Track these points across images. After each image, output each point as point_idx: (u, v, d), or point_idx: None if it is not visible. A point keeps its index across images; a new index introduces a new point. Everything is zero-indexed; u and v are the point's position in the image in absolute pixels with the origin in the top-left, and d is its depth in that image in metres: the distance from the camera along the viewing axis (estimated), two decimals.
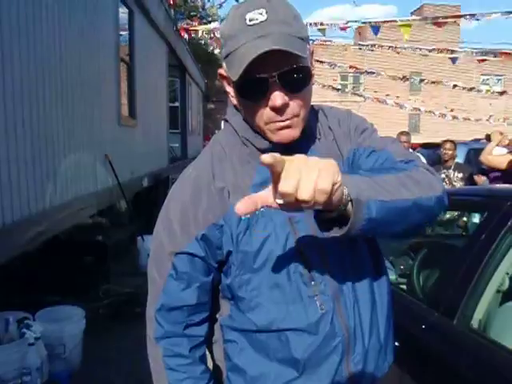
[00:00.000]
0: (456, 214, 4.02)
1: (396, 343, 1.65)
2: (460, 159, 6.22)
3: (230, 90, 1.00)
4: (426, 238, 2.77)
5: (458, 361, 1.47)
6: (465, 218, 3.66)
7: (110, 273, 4.19)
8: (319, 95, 15.74)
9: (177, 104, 11.30)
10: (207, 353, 1.14)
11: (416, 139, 9.17)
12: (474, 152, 6.40)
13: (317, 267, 1.00)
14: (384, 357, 1.13)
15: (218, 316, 1.11)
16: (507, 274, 1.60)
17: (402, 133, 5.47)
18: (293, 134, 0.96)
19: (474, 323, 1.52)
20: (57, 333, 2.84)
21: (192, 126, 12.66)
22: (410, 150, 5.26)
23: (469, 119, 15.50)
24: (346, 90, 19.42)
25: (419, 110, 16.70)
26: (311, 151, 1.04)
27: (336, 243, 1.02)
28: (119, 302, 3.59)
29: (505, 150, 5.02)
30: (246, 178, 1.00)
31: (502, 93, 15.75)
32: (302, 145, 1.00)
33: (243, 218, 0.97)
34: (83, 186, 3.88)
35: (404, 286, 2.25)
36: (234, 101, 1.00)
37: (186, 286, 1.02)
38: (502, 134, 5.18)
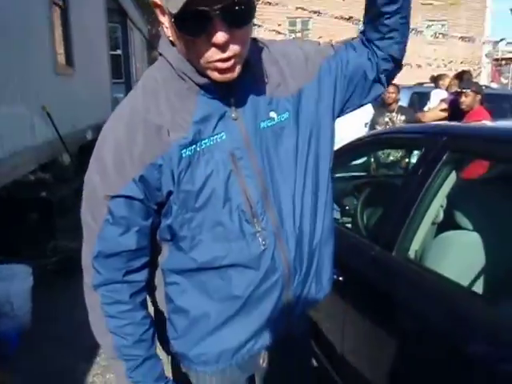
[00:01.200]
0: (399, 155, 4.18)
1: (341, 278, 1.74)
2: (404, 103, 6.38)
3: (164, 20, 0.92)
4: (370, 179, 2.87)
5: (396, 289, 1.57)
6: (407, 160, 3.80)
7: (56, 229, 4.07)
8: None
9: (119, 52, 10.73)
10: (148, 298, 1.14)
11: None
12: (418, 96, 6.56)
13: (259, 204, 1.00)
14: (320, 286, 1.18)
15: (158, 260, 1.10)
16: (441, 206, 1.69)
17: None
18: (233, 75, 0.92)
19: (411, 254, 1.62)
20: (3, 291, 2.76)
21: (137, 74, 12.11)
22: None
23: (417, 65, 15.77)
24: (293, 36, 19.11)
25: None
26: (251, 89, 1.02)
27: (278, 181, 1.03)
28: (67, 258, 3.52)
29: (445, 93, 5.19)
30: (185, 115, 0.95)
31: (444, 37, 16.04)
32: (243, 81, 0.97)
33: (184, 156, 0.95)
34: (19, 139, 3.66)
35: (349, 225, 2.34)
36: (169, 32, 0.93)
37: (124, 230, 0.98)
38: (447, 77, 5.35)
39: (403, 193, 1.71)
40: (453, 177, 1.60)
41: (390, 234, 1.65)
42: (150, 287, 1.12)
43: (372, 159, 4.72)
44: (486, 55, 26.74)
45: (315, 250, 1.13)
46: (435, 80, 6.40)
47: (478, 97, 3.96)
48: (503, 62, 28.62)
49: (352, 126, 4.06)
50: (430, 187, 1.59)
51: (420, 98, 6.46)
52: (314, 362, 2.10)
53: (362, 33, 1.14)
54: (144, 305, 1.07)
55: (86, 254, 1.02)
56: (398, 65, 1.16)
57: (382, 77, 1.15)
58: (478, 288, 1.61)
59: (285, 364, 1.32)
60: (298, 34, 20.35)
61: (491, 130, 1.65)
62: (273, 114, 1.03)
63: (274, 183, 1.02)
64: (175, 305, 1.09)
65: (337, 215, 2.45)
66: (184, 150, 0.94)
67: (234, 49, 0.87)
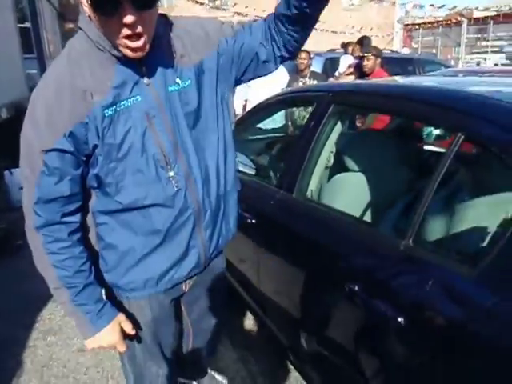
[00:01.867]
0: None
1: (254, 220, 2.02)
2: (318, 69, 6.74)
3: None
4: (281, 138, 3.16)
5: (297, 223, 1.87)
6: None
7: None
8: (187, 12, 15.13)
9: (27, 25, 10.09)
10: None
11: None
12: (330, 61, 6.97)
13: (170, 154, 1.23)
14: (228, 227, 1.45)
15: (89, 204, 1.30)
16: (331, 152, 2.00)
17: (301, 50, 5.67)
18: (143, 51, 1.11)
19: (309, 194, 1.92)
20: None
21: (50, 49, 11.48)
22: None
23: (332, 32, 16.30)
24: (211, 5, 18.89)
25: None
26: (160, 59, 1.22)
27: (185, 136, 1.26)
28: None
29: (351, 59, 5.58)
30: (106, 81, 1.14)
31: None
32: (152, 52, 1.16)
33: (106, 115, 1.14)
34: None
35: (262, 178, 2.61)
36: (87, 10, 1.08)
37: (59, 179, 1.16)
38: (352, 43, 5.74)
39: (300, 143, 2.00)
40: (338, 126, 1.91)
41: (291, 180, 1.94)
42: (84, 228, 1.31)
43: (290, 123, 5.05)
44: (397, 21, 28.04)
45: (221, 196, 1.38)
46: (344, 46, 6.80)
47: (378, 60, 4.36)
48: (414, 28, 30.13)
49: (271, 92, 4.33)
50: (320, 136, 1.88)
51: (332, 63, 6.87)
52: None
53: (270, 20, 1.32)
54: (80, 242, 1.27)
55: (27, 201, 1.20)
56: (292, 54, 1.39)
57: (275, 59, 1.37)
58: (363, 216, 1.94)
59: (204, 292, 1.60)
60: (217, 2, 20.12)
61: (366, 86, 1.96)
62: (178, 81, 1.25)
63: (182, 137, 1.25)
64: (105, 242, 1.31)
65: (252, 171, 2.72)
66: (106, 110, 1.14)
67: (142, 28, 1.06)
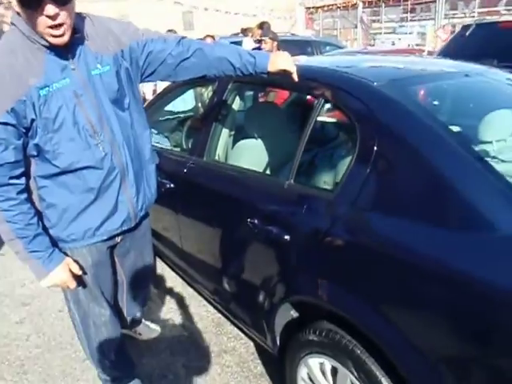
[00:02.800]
0: None
1: (172, 185, 2.36)
2: None
3: None
4: (191, 116, 3.50)
5: (209, 181, 2.24)
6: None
7: None
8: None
9: None
10: None
11: (191, 35, 9.73)
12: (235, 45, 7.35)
13: (97, 125, 1.55)
14: (150, 191, 1.81)
15: (30, 170, 1.57)
16: (238, 123, 2.40)
17: (169, 30, 5.85)
18: (64, 39, 1.42)
19: (217, 157, 2.30)
20: None
21: None
22: None
23: (235, 13, 16.69)
24: None
25: (194, 7, 17.15)
26: (82, 49, 1.53)
27: (108, 111, 1.58)
28: None
29: (252, 42, 5.97)
30: (38, 67, 1.42)
31: None
32: (76, 42, 1.48)
33: (41, 94, 1.43)
34: None
35: (178, 149, 2.95)
36: (16, 7, 1.35)
37: (4, 148, 1.43)
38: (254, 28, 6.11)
39: (207, 116, 2.37)
40: (238, 100, 2.31)
41: (201, 147, 2.31)
42: (28, 190, 1.58)
43: (200, 104, 5.38)
44: (299, 4, 28.99)
45: (141, 162, 1.74)
46: (244, 31, 7.21)
47: (275, 43, 4.82)
48: (314, 10, 31.26)
49: None
50: (223, 109, 2.27)
51: None
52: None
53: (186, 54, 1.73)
54: (27, 200, 1.55)
55: None
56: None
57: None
58: (261, 169, 2.34)
59: (134, 246, 1.95)
60: None
61: None
62: (99, 66, 1.57)
63: (105, 112, 1.57)
64: (47, 202, 1.60)
65: (168, 145, 3.04)
66: (41, 91, 1.43)
67: (61, 19, 1.37)
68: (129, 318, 2.25)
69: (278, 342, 1.92)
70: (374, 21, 30.18)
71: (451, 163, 1.32)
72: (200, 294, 2.84)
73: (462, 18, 19.93)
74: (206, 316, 2.74)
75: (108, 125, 1.58)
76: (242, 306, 2.15)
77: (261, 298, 1.91)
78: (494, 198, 1.25)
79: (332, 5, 28.98)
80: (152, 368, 2.32)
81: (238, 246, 2.03)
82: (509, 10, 16.97)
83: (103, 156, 1.57)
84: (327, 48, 8.62)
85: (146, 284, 2.23)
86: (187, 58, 1.73)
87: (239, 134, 2.48)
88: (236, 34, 8.30)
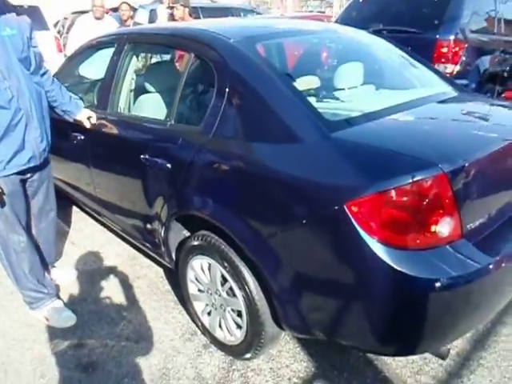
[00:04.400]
0: None
1: (82, 137, 2.69)
2: (144, 20, 7.25)
3: None
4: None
5: (112, 131, 2.60)
6: None
7: None
8: None
9: None
10: None
11: (114, 4, 9.66)
12: (155, 12, 7.50)
13: (5, 72, 1.94)
14: (47, 142, 2.22)
15: None
16: (133, 79, 2.76)
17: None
18: None
19: (119, 109, 2.66)
20: None
21: None
22: (105, 14, 5.79)
23: None
24: None
25: None
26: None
27: (14, 64, 1.97)
28: None
29: (165, 9, 6.16)
30: None
31: None
32: None
33: None
34: None
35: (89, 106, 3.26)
36: None
37: None
38: None
39: (109, 75, 2.70)
40: (134, 59, 2.66)
41: (105, 100, 2.66)
42: None
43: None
44: None
45: (44, 113, 2.16)
46: None
47: (187, 10, 5.11)
48: None
49: None
50: (122, 68, 2.62)
51: (155, 13, 7.42)
52: None
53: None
54: None
55: None
56: None
57: None
58: (155, 116, 2.62)
59: (41, 185, 2.36)
60: None
61: (145, 29, 2.73)
62: (8, 29, 1.96)
63: (12, 65, 1.97)
64: None
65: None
66: None
67: None
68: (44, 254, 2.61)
69: (174, 257, 2.36)
70: None
71: (276, 98, 1.79)
72: (118, 234, 3.22)
73: None
74: (122, 253, 3.14)
75: (15, 75, 1.97)
76: (144, 233, 2.57)
77: (157, 220, 2.34)
78: (303, 120, 1.73)
79: None
80: (75, 295, 2.70)
81: (136, 181, 2.43)
82: None
83: (11, 98, 1.96)
84: (248, 16, 8.93)
85: (52, 217, 2.59)
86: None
87: (137, 89, 2.84)
88: (156, 2, 8.39)
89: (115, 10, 8.29)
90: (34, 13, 7.72)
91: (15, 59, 1.98)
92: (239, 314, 2.01)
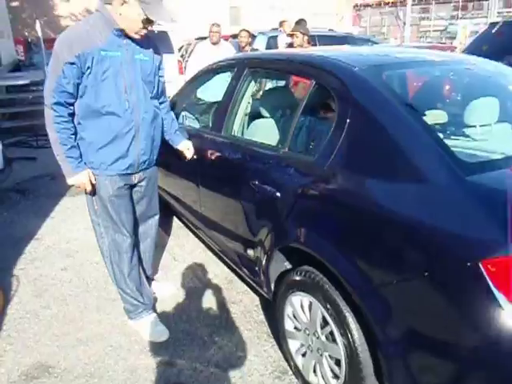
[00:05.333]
0: None
1: (195, 156, 2.76)
2: (262, 47, 7.47)
3: None
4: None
5: (225, 153, 2.62)
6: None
7: None
8: None
9: None
10: None
11: (236, 30, 10.14)
12: (273, 39, 7.70)
13: (128, 86, 2.11)
14: (153, 157, 2.37)
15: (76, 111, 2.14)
16: (249, 103, 2.77)
17: (213, 24, 6.25)
18: (140, 38, 2.19)
19: (233, 132, 2.68)
20: None
21: None
22: (222, 40, 6.17)
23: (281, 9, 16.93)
24: None
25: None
26: (134, 41, 2.21)
27: (139, 84, 2.15)
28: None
29: (288, 39, 6.30)
30: (103, 38, 2.05)
31: None
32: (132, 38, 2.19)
33: (102, 53, 2.03)
34: None
35: (204, 128, 3.35)
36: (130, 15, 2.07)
37: (68, 82, 2.02)
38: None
39: (226, 98, 2.74)
40: (252, 84, 2.67)
41: (219, 122, 2.70)
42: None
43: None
44: (346, 1, 28.80)
45: (154, 130, 2.29)
46: (281, 24, 7.53)
47: (306, 37, 5.12)
48: (362, 7, 30.96)
49: None
50: (239, 91, 2.64)
51: (274, 41, 7.61)
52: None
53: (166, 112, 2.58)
54: (73, 122, 2.15)
55: (48, 89, 2.04)
56: None
57: None
58: (268, 141, 2.64)
59: (146, 192, 2.48)
60: None
61: (266, 54, 2.72)
62: (141, 55, 2.18)
63: (136, 83, 2.15)
64: (79, 136, 2.16)
65: (197, 125, 3.44)
66: (102, 52, 2.02)
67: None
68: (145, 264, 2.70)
69: (273, 288, 2.27)
70: (423, 18, 29.49)
71: (404, 132, 1.63)
72: (217, 255, 3.23)
73: None
74: (219, 274, 3.13)
75: (135, 92, 2.14)
76: (244, 258, 2.52)
77: (259, 248, 2.27)
78: (434, 160, 1.54)
79: (380, 2, 28.59)
80: (171, 311, 2.73)
81: (243, 205, 2.40)
82: None
83: (126, 108, 2.12)
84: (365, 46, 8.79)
85: (155, 224, 2.69)
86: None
87: (252, 113, 2.84)
88: (275, 29, 8.64)
89: (235, 36, 8.73)
90: (162, 37, 8.39)
91: (140, 79, 2.17)
92: (337, 363, 1.84)
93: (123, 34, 2.08)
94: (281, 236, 2.07)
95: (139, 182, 2.39)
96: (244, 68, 2.63)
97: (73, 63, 1.99)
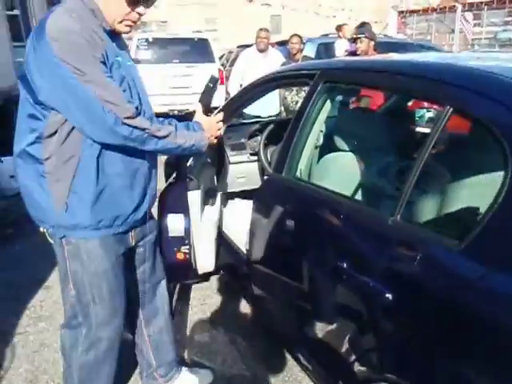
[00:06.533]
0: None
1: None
2: (311, 54, 6.67)
3: None
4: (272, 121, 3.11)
5: (288, 200, 1.84)
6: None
7: None
8: None
9: (16, 12, 9.91)
10: None
11: (277, 38, 9.46)
12: (324, 46, 6.90)
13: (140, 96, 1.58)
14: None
15: None
16: (321, 131, 1.97)
17: (261, 29, 5.55)
18: (129, 32, 1.58)
19: (298, 173, 1.88)
20: None
21: None
22: (269, 47, 5.52)
23: (326, 16, 16.18)
24: None
25: (283, 7, 17.01)
26: (123, 42, 1.69)
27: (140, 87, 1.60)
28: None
29: (346, 43, 5.53)
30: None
31: None
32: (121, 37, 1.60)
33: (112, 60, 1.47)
34: None
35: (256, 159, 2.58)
36: None
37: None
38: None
39: (292, 124, 1.94)
40: (327, 105, 1.87)
41: (280, 159, 1.91)
42: None
43: (283, 108, 5.02)
44: (392, 7, 27.83)
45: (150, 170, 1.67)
46: (339, 29, 6.74)
47: (372, 43, 4.30)
48: (408, 14, 29.91)
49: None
50: (309, 115, 1.84)
51: (325, 48, 6.81)
52: None
53: None
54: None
55: (117, 100, 1.41)
56: None
57: None
58: (353, 194, 1.91)
59: (146, 245, 1.79)
60: None
61: (353, 62, 1.92)
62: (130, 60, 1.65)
63: (140, 89, 1.60)
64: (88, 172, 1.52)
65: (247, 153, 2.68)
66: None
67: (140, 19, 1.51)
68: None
69: None
70: (474, 25, 28.17)
71: None
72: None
73: None
74: (276, 353, 2.33)
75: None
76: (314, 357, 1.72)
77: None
78: None
79: (427, 8, 27.51)
80: None
81: (317, 288, 1.60)
82: None
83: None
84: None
85: (163, 287, 1.95)
86: None
87: (326, 146, 2.04)
88: (326, 35, 7.83)
89: (281, 43, 7.99)
90: (202, 45, 7.79)
91: (142, 85, 1.65)
92: None
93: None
94: (384, 366, 1.25)
95: (137, 242, 1.72)
96: (317, 82, 1.83)
97: (103, 62, 1.42)
